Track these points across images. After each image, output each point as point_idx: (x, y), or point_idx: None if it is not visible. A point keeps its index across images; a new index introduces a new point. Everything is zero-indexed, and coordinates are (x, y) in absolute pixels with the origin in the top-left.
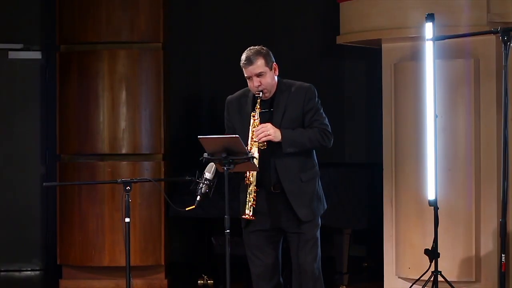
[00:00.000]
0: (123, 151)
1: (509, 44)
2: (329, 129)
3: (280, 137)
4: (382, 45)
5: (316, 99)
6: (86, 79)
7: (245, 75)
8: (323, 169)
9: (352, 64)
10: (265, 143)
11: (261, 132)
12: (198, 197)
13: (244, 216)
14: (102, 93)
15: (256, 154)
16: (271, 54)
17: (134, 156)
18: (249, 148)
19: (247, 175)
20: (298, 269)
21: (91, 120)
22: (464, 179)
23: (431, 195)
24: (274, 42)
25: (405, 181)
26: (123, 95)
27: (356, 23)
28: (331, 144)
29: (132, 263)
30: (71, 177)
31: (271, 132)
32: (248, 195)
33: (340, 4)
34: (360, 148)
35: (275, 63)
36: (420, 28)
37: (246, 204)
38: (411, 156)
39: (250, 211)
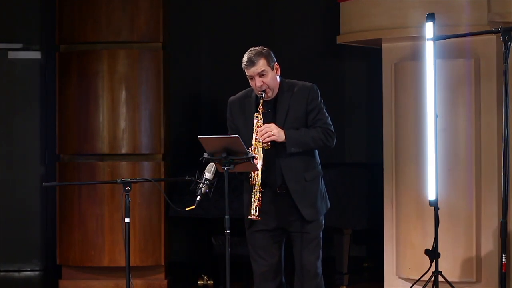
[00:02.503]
0: (123, 151)
1: (510, 43)
2: (332, 128)
3: (283, 137)
4: (383, 44)
5: (319, 98)
6: (86, 79)
7: (247, 75)
8: (323, 169)
9: (352, 64)
10: (269, 143)
11: (265, 132)
12: (198, 197)
13: (249, 217)
14: (102, 93)
15: (260, 155)
16: (273, 54)
17: (134, 156)
18: (253, 148)
19: (252, 176)
20: (300, 269)
21: (91, 120)
22: (465, 179)
23: (431, 195)
24: (274, 42)
25: (405, 181)
26: (123, 95)
27: (356, 23)
28: (334, 143)
29: (132, 263)
30: (70, 177)
31: (275, 132)
32: (253, 196)
33: (340, 3)
34: (360, 148)
35: (276, 63)
36: (420, 27)
37: (251, 204)
38: (412, 156)
39: (255, 211)
